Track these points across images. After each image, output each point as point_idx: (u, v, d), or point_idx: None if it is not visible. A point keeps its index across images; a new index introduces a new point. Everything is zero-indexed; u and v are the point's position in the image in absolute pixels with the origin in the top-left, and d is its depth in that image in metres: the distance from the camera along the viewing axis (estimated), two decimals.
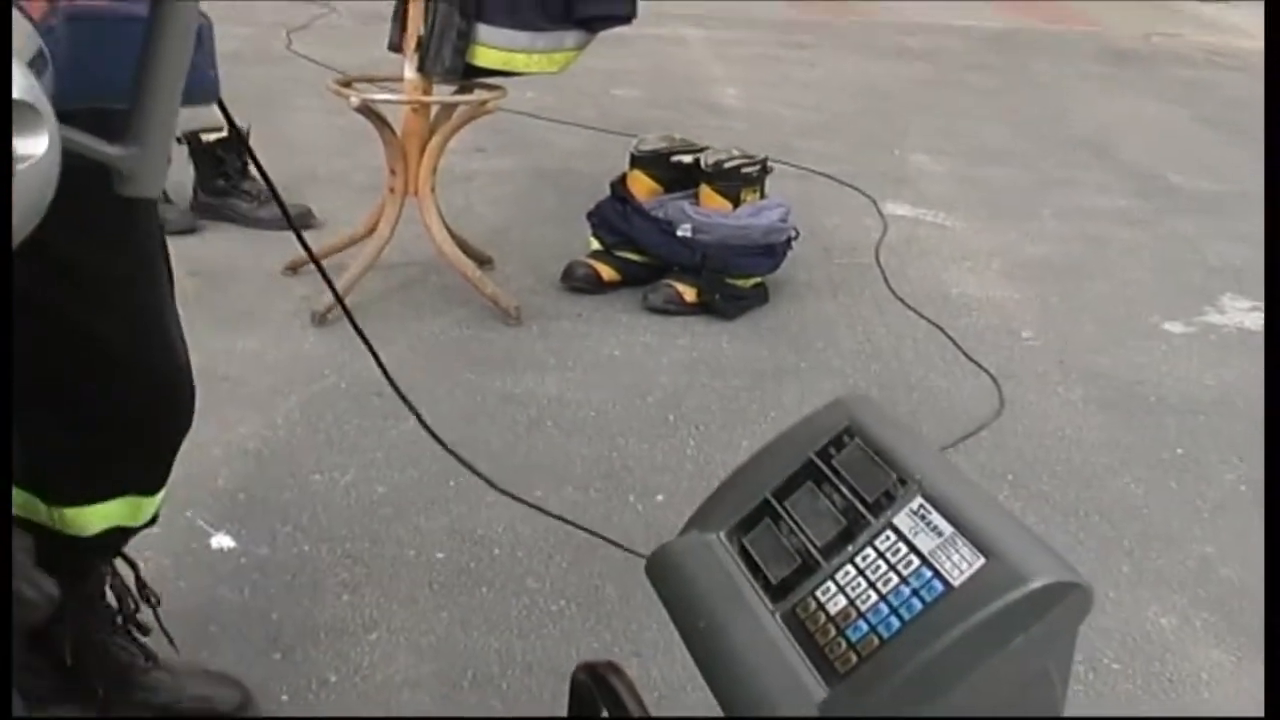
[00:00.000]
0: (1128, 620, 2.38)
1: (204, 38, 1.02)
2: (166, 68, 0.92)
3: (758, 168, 3.78)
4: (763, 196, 3.80)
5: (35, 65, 0.81)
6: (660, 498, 2.70)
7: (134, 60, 0.93)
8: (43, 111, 0.78)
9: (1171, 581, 2.52)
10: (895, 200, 4.81)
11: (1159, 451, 3.05)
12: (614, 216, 3.82)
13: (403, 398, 2.11)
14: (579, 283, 3.79)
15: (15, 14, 0.84)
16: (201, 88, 1.04)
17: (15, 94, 0.77)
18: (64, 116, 0.83)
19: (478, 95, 3.54)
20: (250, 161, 1.51)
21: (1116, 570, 2.54)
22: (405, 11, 3.47)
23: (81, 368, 1.67)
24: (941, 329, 3.64)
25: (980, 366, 3.42)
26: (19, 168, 0.77)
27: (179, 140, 4.03)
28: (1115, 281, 4.19)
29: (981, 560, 1.05)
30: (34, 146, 0.78)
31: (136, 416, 1.74)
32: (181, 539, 2.42)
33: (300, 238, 1.96)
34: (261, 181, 4.01)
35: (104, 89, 0.94)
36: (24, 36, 0.84)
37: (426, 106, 3.54)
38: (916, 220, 4.65)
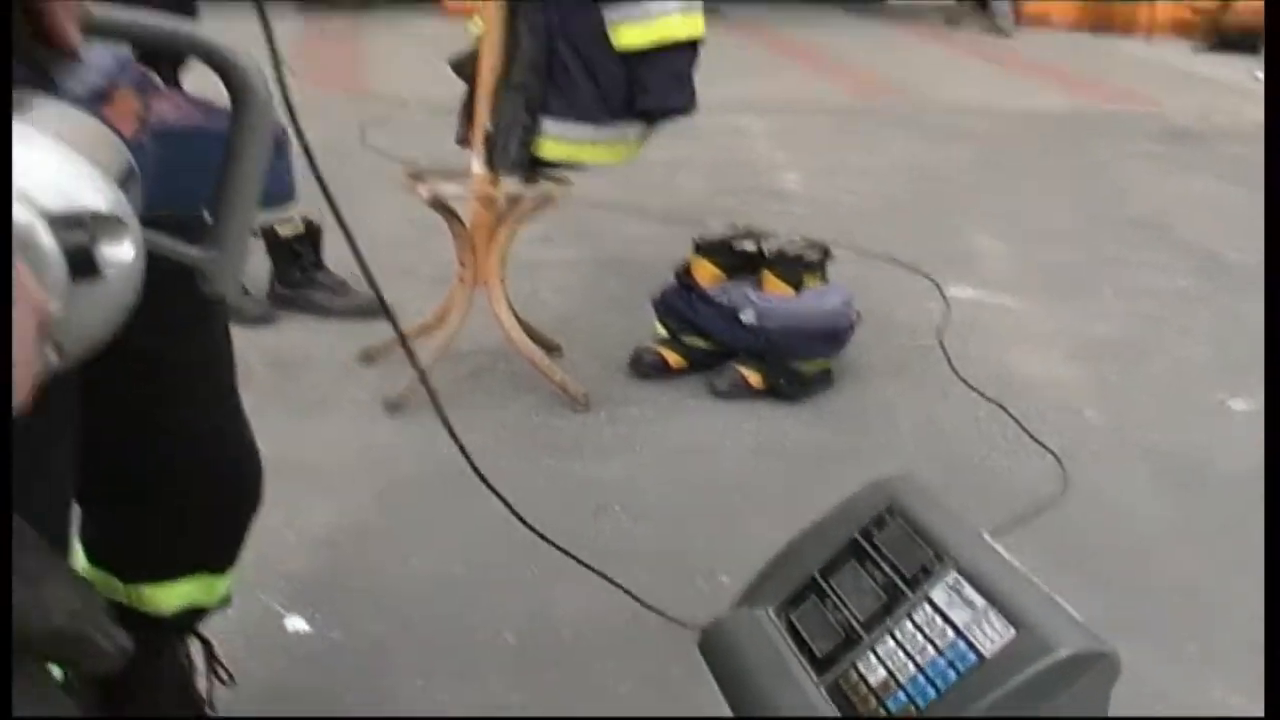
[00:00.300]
0: (1195, 699, 2.38)
1: (283, 145, 1.09)
2: (244, 178, 0.99)
3: (820, 254, 3.82)
4: (825, 281, 3.84)
5: (124, 182, 0.89)
6: (725, 579, 2.73)
7: (212, 171, 1.00)
8: (129, 224, 0.85)
9: (1238, 659, 2.51)
10: (957, 282, 4.82)
11: (1223, 529, 3.04)
12: (679, 303, 3.88)
13: (483, 479, 2.15)
14: (646, 369, 3.85)
15: (107, 131, 0.91)
16: (279, 192, 1.11)
17: (103, 208, 0.84)
18: (147, 222, 0.90)
19: (544, 187, 3.62)
20: (349, 248, 1.58)
21: (1182, 649, 2.54)
22: (472, 107, 3.57)
23: (151, 451, 1.74)
24: (1004, 409, 3.66)
25: (1044, 446, 3.43)
26: (107, 273, 0.84)
27: (255, 235, 4.13)
28: (1177, 359, 4.19)
29: (1012, 632, 1.09)
30: (120, 255, 0.85)
31: (206, 495, 1.81)
32: (255, 622, 2.48)
33: (389, 314, 1.99)
34: (335, 274, 4.16)
35: (184, 199, 1.01)
36: (113, 152, 0.91)
37: (494, 199, 3.63)
38: (979, 302, 4.67)
